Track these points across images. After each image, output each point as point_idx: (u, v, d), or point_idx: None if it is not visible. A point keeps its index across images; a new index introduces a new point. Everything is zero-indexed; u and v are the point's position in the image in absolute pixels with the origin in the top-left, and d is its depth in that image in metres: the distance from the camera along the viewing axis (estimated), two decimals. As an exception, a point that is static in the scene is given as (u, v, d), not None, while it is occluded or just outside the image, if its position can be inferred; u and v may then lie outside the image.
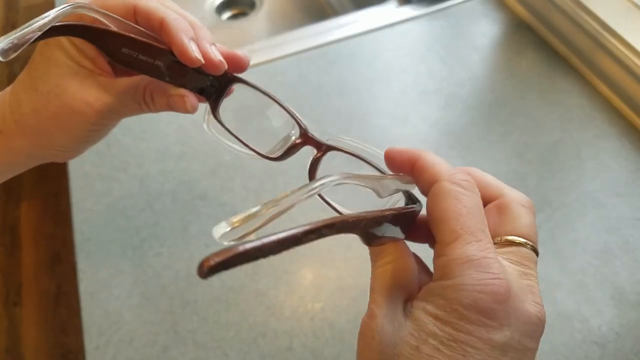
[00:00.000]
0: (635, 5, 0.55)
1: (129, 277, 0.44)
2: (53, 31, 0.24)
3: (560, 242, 0.45)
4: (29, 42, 0.23)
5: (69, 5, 0.24)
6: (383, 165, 0.26)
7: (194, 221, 0.47)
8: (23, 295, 1.19)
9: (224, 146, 0.33)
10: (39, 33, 0.23)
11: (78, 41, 0.26)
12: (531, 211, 0.23)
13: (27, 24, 0.23)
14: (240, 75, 0.30)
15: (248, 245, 0.15)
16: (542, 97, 0.56)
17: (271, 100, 0.30)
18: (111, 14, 0.26)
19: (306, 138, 0.30)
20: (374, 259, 0.23)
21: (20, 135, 0.28)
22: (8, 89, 0.29)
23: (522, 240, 0.22)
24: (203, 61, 0.26)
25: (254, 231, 0.16)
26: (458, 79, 0.58)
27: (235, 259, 0.15)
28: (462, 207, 0.20)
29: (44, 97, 0.27)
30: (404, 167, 0.23)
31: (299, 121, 0.30)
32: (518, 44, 0.61)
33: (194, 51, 0.26)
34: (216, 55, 0.27)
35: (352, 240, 0.46)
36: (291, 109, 0.30)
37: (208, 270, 0.14)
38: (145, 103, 0.29)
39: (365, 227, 0.21)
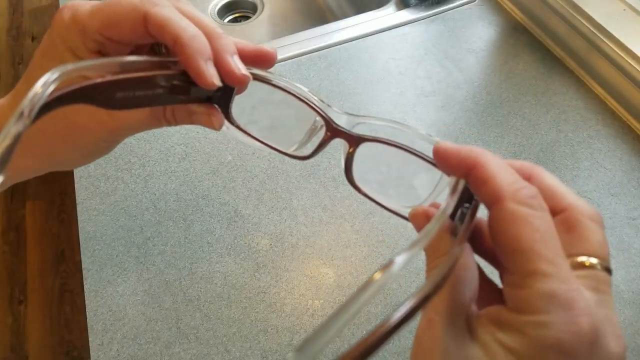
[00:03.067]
0: (630, 7, 0.56)
1: (133, 275, 0.45)
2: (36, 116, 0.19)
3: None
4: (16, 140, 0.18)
5: (46, 81, 0.19)
6: (420, 147, 0.24)
7: (196, 220, 0.48)
8: (28, 293, 1.20)
9: (246, 145, 0.31)
10: (21, 127, 0.18)
11: (85, 55, 0.24)
12: (601, 226, 0.20)
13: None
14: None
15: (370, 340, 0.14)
16: (538, 99, 0.57)
17: (286, 92, 0.28)
18: (94, 62, 0.22)
19: (334, 131, 0.27)
20: (431, 257, 0.21)
21: (25, 156, 0.26)
22: (5, 101, 0.27)
23: (596, 261, 0.20)
24: (220, 84, 0.24)
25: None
26: (455, 81, 0.59)
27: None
28: (535, 232, 0.18)
29: (50, 116, 0.23)
30: (458, 170, 0.20)
31: (322, 113, 0.27)
32: (514, 46, 0.62)
33: (212, 76, 0.24)
34: (239, 68, 0.25)
35: (351, 239, 0.46)
36: (310, 97, 0.27)
37: None
38: (165, 119, 0.28)
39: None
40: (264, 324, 0.42)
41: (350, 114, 0.28)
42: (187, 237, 0.47)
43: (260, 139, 0.30)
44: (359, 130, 0.28)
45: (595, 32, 0.55)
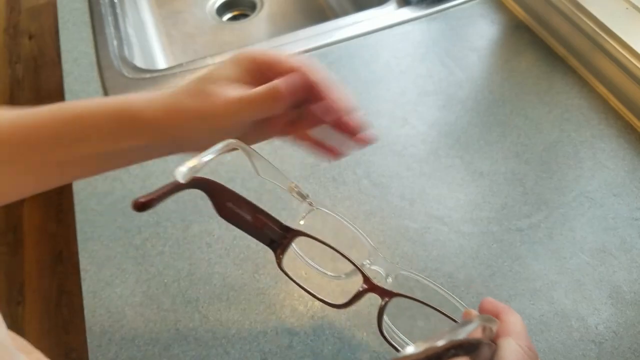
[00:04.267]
0: (633, 6, 0.56)
1: (131, 276, 0.44)
2: (189, 186, 0.28)
3: (557, 241, 0.45)
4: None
5: (227, 142, 0.29)
6: (448, 308, 0.30)
7: (195, 220, 0.48)
8: (25, 294, 1.19)
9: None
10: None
11: (238, 77, 0.32)
12: None
13: (205, 154, 0.27)
14: (305, 230, 0.34)
15: None
16: (540, 98, 0.56)
17: (332, 249, 0.33)
18: (256, 152, 0.31)
19: (371, 286, 0.32)
20: None
21: (173, 127, 0.32)
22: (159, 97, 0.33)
23: None
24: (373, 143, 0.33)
25: None
26: (457, 80, 0.58)
27: None
28: None
29: (198, 97, 0.32)
30: (491, 313, 0.28)
31: (361, 270, 0.32)
32: (516, 45, 0.62)
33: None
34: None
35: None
36: (352, 259, 0.32)
37: None
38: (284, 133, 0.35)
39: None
40: (264, 326, 0.41)
41: (392, 264, 0.33)
42: (186, 238, 0.47)
43: (304, 286, 0.35)
44: (395, 280, 0.33)
45: (598, 30, 0.55)
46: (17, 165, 0.32)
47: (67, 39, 0.66)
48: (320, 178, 0.50)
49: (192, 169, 0.27)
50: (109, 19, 0.68)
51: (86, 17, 0.69)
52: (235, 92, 0.32)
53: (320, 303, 0.42)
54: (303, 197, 0.34)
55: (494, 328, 0.26)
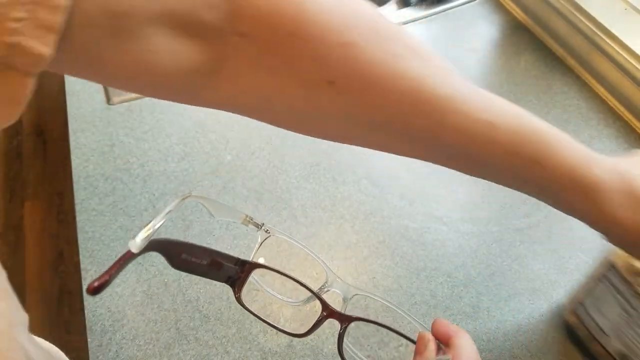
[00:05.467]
0: (632, 7, 0.56)
1: (132, 276, 0.44)
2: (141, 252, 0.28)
3: (557, 241, 0.46)
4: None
5: (178, 201, 0.30)
6: (406, 327, 0.31)
7: (195, 220, 0.48)
8: (26, 294, 1.20)
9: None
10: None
11: None
12: None
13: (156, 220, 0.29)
14: (262, 260, 0.35)
15: None
16: (539, 98, 0.57)
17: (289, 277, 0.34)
18: (215, 201, 0.32)
19: (329, 311, 0.32)
20: None
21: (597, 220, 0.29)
22: None
23: None
24: None
25: None
26: (456, 80, 0.59)
27: None
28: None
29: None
30: (442, 338, 0.29)
31: (318, 296, 0.33)
32: (516, 45, 0.62)
33: None
34: None
35: (351, 239, 0.46)
36: (310, 286, 0.33)
37: None
38: None
39: None
40: (264, 325, 0.41)
41: (350, 286, 0.34)
42: (187, 238, 0.47)
43: (263, 318, 0.35)
44: (353, 302, 0.33)
45: (596, 31, 0.55)
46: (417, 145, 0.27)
47: (68, 39, 0.66)
48: (320, 178, 0.51)
49: (146, 239, 0.28)
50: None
51: (87, 18, 0.69)
52: None
53: (320, 303, 0.42)
54: (258, 226, 0.36)
55: None
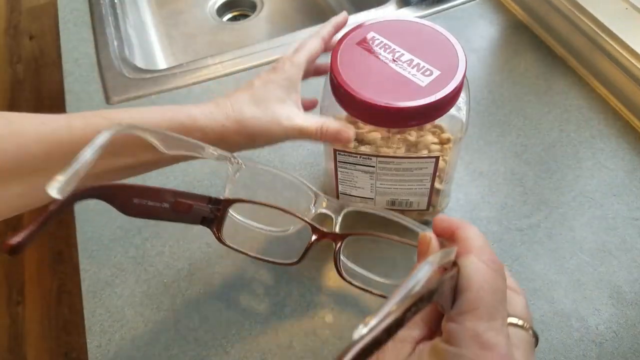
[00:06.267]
0: (633, 6, 0.56)
1: (131, 276, 0.44)
2: (71, 199, 0.23)
3: (557, 241, 0.46)
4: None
5: (110, 130, 0.26)
6: (405, 233, 0.28)
7: (195, 221, 0.48)
8: (26, 294, 1.19)
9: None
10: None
11: (287, 83, 0.37)
12: (522, 294, 0.25)
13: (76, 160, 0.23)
14: (237, 195, 0.32)
15: (365, 341, 0.16)
16: (540, 98, 0.56)
17: (271, 207, 0.31)
18: (155, 130, 0.29)
19: (320, 234, 0.30)
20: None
21: (238, 134, 0.35)
22: (212, 106, 0.35)
23: (522, 323, 0.23)
24: None
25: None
26: (457, 80, 0.58)
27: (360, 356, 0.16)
28: (485, 283, 0.22)
29: (262, 111, 0.35)
30: (447, 231, 0.25)
31: (306, 220, 0.30)
32: (516, 45, 0.62)
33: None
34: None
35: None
36: (295, 211, 0.30)
37: None
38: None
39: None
40: (263, 326, 0.41)
41: (338, 202, 0.31)
42: (186, 238, 0.47)
43: (250, 254, 0.34)
44: (344, 218, 0.31)
45: (597, 30, 0.55)
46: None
47: (68, 39, 0.66)
48: (320, 178, 0.50)
49: (69, 180, 0.22)
50: (110, 20, 0.68)
51: (87, 18, 0.69)
52: (299, 118, 0.35)
53: (320, 303, 0.42)
54: (226, 157, 0.32)
55: (452, 256, 0.23)
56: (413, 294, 0.19)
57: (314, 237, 0.30)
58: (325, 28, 0.42)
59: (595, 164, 0.51)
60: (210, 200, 0.30)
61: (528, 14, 0.64)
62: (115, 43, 0.65)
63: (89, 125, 0.31)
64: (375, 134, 0.36)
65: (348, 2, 0.83)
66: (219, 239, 0.32)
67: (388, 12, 0.67)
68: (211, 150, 0.32)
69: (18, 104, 1.57)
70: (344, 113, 0.36)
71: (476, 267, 0.22)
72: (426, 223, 0.47)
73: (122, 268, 0.45)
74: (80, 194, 0.23)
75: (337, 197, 0.44)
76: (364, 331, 0.16)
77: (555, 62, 0.60)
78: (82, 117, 0.31)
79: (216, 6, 0.89)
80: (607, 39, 0.54)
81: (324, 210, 0.32)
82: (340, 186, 0.42)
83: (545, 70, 0.59)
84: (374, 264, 0.35)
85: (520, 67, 0.59)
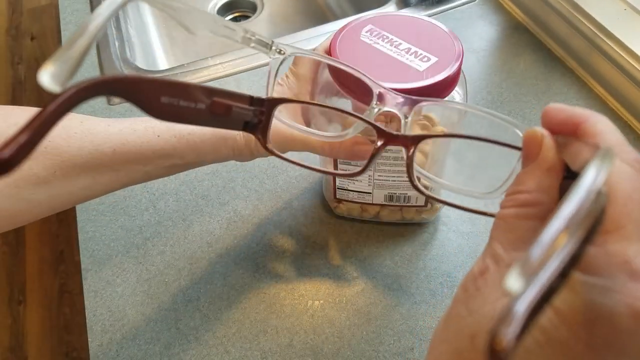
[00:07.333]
0: (632, 7, 0.56)
1: (133, 276, 0.45)
2: (77, 95, 0.18)
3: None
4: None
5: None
6: (497, 132, 0.21)
7: (196, 220, 0.48)
8: (27, 293, 1.20)
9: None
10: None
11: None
12: None
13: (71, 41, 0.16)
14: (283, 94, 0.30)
15: (533, 292, 0.11)
16: (539, 99, 0.57)
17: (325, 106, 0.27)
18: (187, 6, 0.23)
19: (387, 138, 0.24)
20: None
21: (190, 152, 0.35)
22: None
23: None
24: None
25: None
26: (456, 81, 0.59)
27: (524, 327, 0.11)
28: (635, 191, 0.16)
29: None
30: (566, 126, 0.19)
31: (369, 120, 0.25)
32: (515, 46, 0.62)
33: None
34: None
35: (351, 239, 0.46)
36: (354, 113, 0.25)
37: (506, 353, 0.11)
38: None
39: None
40: (264, 325, 0.42)
41: (407, 97, 0.25)
42: (187, 238, 0.47)
43: (305, 164, 0.31)
44: (416, 117, 0.25)
45: (596, 32, 0.55)
46: (120, 173, 0.34)
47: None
48: (321, 178, 0.51)
49: (71, 63, 0.15)
50: (111, 20, 0.68)
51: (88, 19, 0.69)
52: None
53: (320, 302, 0.42)
54: (266, 44, 0.26)
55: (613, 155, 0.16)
56: (586, 213, 0.13)
57: (379, 142, 0.24)
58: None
59: (593, 164, 0.51)
60: (253, 100, 0.25)
61: (527, 15, 0.64)
62: (117, 44, 0.65)
63: (149, 127, 0.33)
64: None
65: (348, 3, 0.84)
66: (266, 147, 0.27)
67: (388, 13, 0.67)
68: (249, 35, 0.26)
69: (19, 105, 1.57)
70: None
71: (619, 171, 0.16)
72: (425, 222, 0.47)
73: (124, 267, 0.45)
74: (93, 86, 0.17)
75: (335, 193, 0.44)
76: (519, 284, 0.11)
77: (554, 63, 0.60)
78: (143, 121, 0.34)
79: (217, 7, 0.89)
80: (605, 40, 0.54)
81: (390, 109, 0.25)
82: (338, 180, 0.43)
83: (544, 71, 0.59)
84: (457, 171, 0.28)
85: (520, 68, 0.60)
